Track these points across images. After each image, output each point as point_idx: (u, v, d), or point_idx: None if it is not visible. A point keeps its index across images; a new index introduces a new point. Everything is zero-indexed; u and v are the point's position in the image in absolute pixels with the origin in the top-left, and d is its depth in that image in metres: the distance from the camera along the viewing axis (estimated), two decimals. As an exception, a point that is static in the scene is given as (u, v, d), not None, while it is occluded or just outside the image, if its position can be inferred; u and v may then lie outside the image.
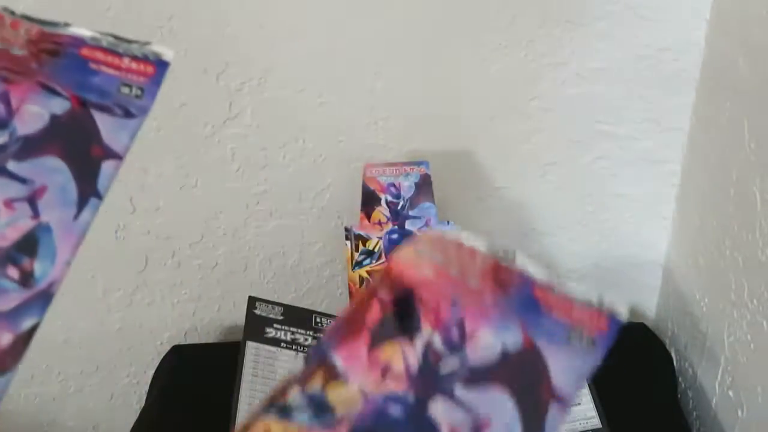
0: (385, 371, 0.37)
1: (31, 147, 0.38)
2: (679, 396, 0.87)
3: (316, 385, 0.36)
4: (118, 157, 0.40)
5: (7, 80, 0.39)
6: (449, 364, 0.37)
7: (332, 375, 0.36)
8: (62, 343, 0.93)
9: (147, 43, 0.41)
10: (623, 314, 0.39)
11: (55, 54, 0.41)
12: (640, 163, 0.84)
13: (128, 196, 0.82)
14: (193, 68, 0.75)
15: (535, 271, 0.40)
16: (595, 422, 0.68)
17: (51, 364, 0.94)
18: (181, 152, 0.80)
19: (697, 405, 0.84)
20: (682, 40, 0.75)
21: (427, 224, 0.80)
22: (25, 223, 0.37)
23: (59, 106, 0.38)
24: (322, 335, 0.40)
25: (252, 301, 0.79)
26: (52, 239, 0.39)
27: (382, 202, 0.80)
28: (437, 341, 0.38)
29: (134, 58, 0.41)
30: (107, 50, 0.41)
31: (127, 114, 0.40)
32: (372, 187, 0.80)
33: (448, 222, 0.80)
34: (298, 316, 0.80)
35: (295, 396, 0.35)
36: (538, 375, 0.38)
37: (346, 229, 0.80)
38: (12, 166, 0.37)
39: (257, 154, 0.81)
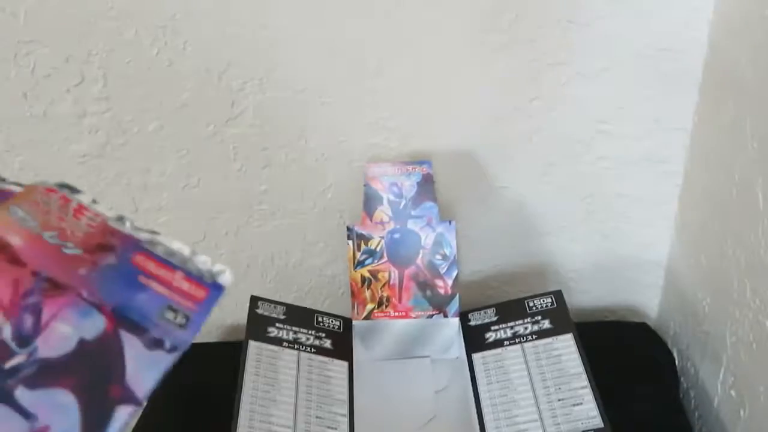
0: None
1: (46, 374, 0.33)
2: (681, 396, 0.87)
3: None
4: (137, 403, 0.34)
5: (45, 292, 0.34)
6: (14, 360, 0.33)
7: None
8: (64, 343, 0.93)
9: (205, 260, 0.36)
10: (227, 279, 0.36)
11: (108, 250, 0.35)
12: (642, 163, 0.84)
13: (130, 195, 0.83)
14: (195, 68, 0.75)
15: (144, 234, 0.35)
16: (597, 422, 0.68)
17: (53, 363, 0.94)
18: (183, 152, 0.80)
19: (699, 405, 0.84)
20: (684, 39, 0.75)
21: (429, 223, 0.80)
22: None
23: (92, 328, 0.34)
24: None
25: (254, 301, 0.79)
26: None
27: (384, 201, 0.80)
28: (6, 332, 0.33)
29: (188, 275, 0.36)
30: (161, 261, 0.36)
31: (162, 346, 0.35)
32: (374, 186, 0.80)
33: (450, 221, 0.80)
34: (300, 316, 0.80)
35: None
36: (112, 368, 0.34)
37: (348, 229, 0.80)
38: (20, 393, 0.32)
39: (259, 153, 0.81)
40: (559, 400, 0.71)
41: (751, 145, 0.68)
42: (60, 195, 0.37)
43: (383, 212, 0.80)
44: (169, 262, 0.36)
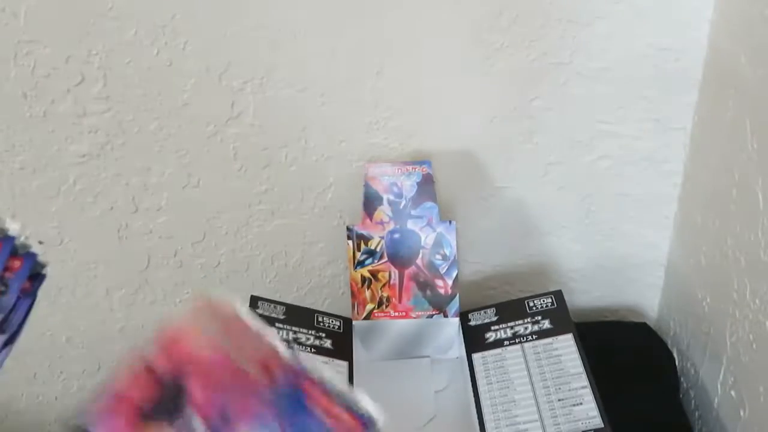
0: None
1: None
2: (681, 396, 0.87)
3: None
4: None
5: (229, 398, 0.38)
6: None
7: None
8: (65, 343, 0.93)
9: (365, 401, 0.41)
10: (380, 422, 0.41)
11: (281, 381, 0.40)
12: (642, 163, 0.84)
13: (131, 195, 0.83)
14: (196, 68, 0.75)
15: (310, 363, 0.41)
16: (597, 422, 0.68)
17: (53, 363, 0.94)
18: (183, 152, 0.80)
19: (699, 405, 0.84)
20: (684, 39, 0.75)
21: (429, 223, 0.80)
22: None
23: None
24: (87, 405, 0.40)
25: (254, 301, 0.79)
26: None
27: (384, 201, 0.80)
28: (195, 427, 0.37)
29: (348, 410, 0.41)
30: (328, 393, 0.41)
31: None
32: (374, 186, 0.80)
33: (450, 221, 0.80)
34: (300, 316, 0.80)
35: None
36: None
37: (348, 229, 0.80)
38: None
39: (259, 153, 0.81)
40: (559, 400, 0.71)
41: (750, 145, 0.68)
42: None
43: (383, 212, 0.80)
44: (335, 396, 0.41)
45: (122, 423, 0.37)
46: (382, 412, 0.41)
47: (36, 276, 0.42)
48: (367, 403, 0.41)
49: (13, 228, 0.41)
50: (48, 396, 0.97)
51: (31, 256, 0.41)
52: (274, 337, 0.42)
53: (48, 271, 0.42)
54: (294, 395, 0.40)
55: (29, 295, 0.42)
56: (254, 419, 0.39)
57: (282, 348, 0.42)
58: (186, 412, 0.38)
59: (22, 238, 0.41)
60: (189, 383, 0.38)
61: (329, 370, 0.41)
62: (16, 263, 0.41)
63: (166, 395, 0.38)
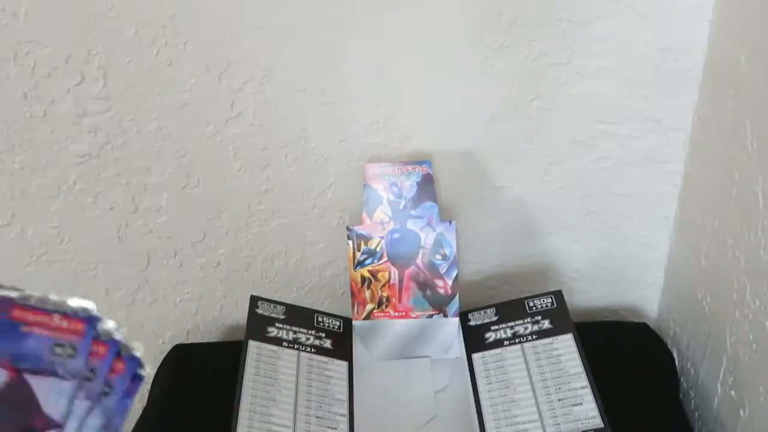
0: None
1: None
2: (681, 396, 0.87)
3: None
4: (57, 425, 0.40)
5: None
6: None
7: None
8: (64, 343, 0.93)
9: (74, 300, 0.42)
10: (94, 311, 0.42)
11: None
12: (642, 163, 0.84)
13: (130, 195, 0.83)
14: (195, 67, 0.75)
15: (13, 293, 0.40)
16: (597, 422, 0.68)
17: (53, 363, 0.94)
18: (183, 152, 0.80)
19: (699, 405, 0.84)
20: (684, 39, 0.75)
21: (429, 223, 0.80)
22: None
23: None
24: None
25: (254, 301, 0.79)
26: None
27: (384, 201, 0.80)
28: None
29: (64, 315, 0.42)
30: (37, 309, 0.41)
31: (63, 376, 0.41)
32: (374, 186, 0.80)
33: (450, 221, 0.80)
34: (300, 316, 0.80)
35: None
36: (29, 408, 0.40)
37: (348, 229, 0.80)
38: None
39: (259, 153, 0.81)
40: (559, 400, 0.71)
41: (751, 145, 0.68)
42: None
43: (383, 212, 0.80)
44: (44, 309, 0.41)
45: None
46: (93, 304, 0.42)
47: (136, 377, 0.44)
48: (79, 301, 0.42)
49: (119, 331, 0.43)
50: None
51: (134, 360, 0.43)
52: None
53: (146, 372, 0.44)
54: (6, 325, 0.40)
55: (130, 396, 0.44)
56: None
57: None
58: None
59: (124, 340, 0.43)
60: None
61: (35, 291, 0.42)
62: (120, 365, 0.43)
63: None
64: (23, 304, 0.41)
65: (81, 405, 0.41)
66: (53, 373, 0.41)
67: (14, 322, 0.41)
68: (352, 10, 0.73)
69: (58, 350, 0.41)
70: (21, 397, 0.40)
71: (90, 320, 0.42)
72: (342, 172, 0.83)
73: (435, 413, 0.76)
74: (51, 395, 0.40)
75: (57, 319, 0.42)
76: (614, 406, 0.70)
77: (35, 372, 0.40)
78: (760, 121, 0.66)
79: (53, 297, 0.41)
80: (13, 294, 0.41)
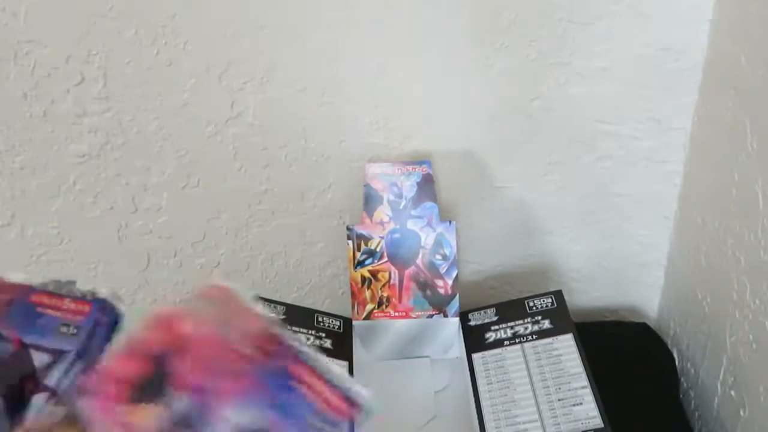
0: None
1: None
2: (681, 396, 0.87)
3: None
4: (49, 390, 0.45)
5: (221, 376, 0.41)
6: None
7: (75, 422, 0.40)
8: (64, 343, 0.93)
9: (355, 385, 0.43)
10: (369, 404, 0.43)
11: (8, 304, 0.48)
12: (642, 163, 0.84)
13: (130, 195, 0.83)
14: (195, 67, 0.75)
15: (300, 343, 0.43)
16: (597, 422, 0.68)
17: (53, 363, 0.94)
18: (183, 152, 0.80)
19: (699, 405, 0.84)
20: (684, 39, 0.75)
21: (429, 223, 0.80)
22: None
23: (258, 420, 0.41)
24: (78, 384, 0.46)
25: (254, 301, 0.79)
26: None
27: (384, 201, 0.80)
28: (181, 407, 0.40)
29: (74, 299, 0.49)
30: (52, 294, 0.48)
31: (61, 352, 0.47)
32: (374, 186, 0.80)
33: (450, 221, 0.80)
34: (300, 316, 0.80)
35: None
36: (26, 374, 0.46)
37: (348, 229, 0.80)
38: None
39: (259, 153, 0.81)
40: (559, 400, 0.71)
41: (750, 145, 0.68)
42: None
43: (383, 212, 0.80)
44: (58, 293, 0.48)
45: (111, 401, 0.40)
46: (372, 397, 0.42)
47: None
48: (357, 386, 0.43)
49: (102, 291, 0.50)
50: (48, 396, 0.97)
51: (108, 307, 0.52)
52: (270, 319, 0.44)
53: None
54: (280, 374, 0.42)
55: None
56: (240, 397, 0.40)
57: (276, 328, 0.43)
58: (170, 391, 0.40)
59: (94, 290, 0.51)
60: (176, 362, 0.40)
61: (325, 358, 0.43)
62: (86, 307, 0.50)
63: (154, 374, 0.40)
64: (41, 289, 0.48)
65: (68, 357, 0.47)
66: (53, 351, 0.46)
67: (31, 304, 0.47)
68: (352, 10, 0.73)
69: (63, 329, 0.47)
70: (20, 364, 0.45)
71: (96, 302, 0.48)
72: (342, 172, 0.83)
73: (435, 413, 0.76)
74: (48, 367, 0.46)
75: (67, 302, 0.48)
76: (614, 406, 0.70)
77: (38, 347, 0.46)
78: (760, 121, 0.66)
79: (67, 282, 0.47)
80: (34, 281, 0.48)
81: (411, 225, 0.80)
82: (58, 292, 0.49)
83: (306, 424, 0.41)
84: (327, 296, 0.94)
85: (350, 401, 0.42)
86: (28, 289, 0.49)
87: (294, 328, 0.78)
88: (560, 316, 0.78)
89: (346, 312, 0.82)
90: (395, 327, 0.81)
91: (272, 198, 0.85)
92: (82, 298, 0.49)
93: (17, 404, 0.44)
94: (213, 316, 0.43)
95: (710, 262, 0.79)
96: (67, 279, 0.49)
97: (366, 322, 0.81)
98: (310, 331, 0.79)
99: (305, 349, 0.43)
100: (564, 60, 0.77)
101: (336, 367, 0.43)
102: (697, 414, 0.85)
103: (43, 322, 0.47)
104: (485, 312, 0.82)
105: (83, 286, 0.49)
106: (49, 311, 0.48)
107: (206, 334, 0.42)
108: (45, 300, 0.48)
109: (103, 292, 0.50)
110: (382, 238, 0.80)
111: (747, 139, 0.68)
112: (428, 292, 0.81)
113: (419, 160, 0.81)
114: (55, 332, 0.47)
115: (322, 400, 0.42)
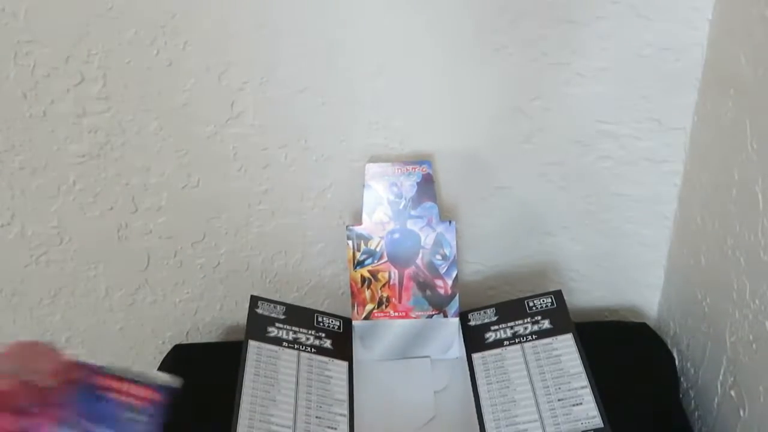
0: None
1: None
2: (680, 396, 0.87)
3: None
4: None
5: (29, 413, 0.45)
6: None
7: None
8: (64, 342, 0.93)
9: (155, 372, 0.49)
10: (172, 382, 0.50)
11: (74, 383, 0.48)
12: (642, 163, 0.84)
13: (130, 195, 0.83)
14: (195, 67, 0.75)
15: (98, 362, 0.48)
16: (597, 422, 0.68)
17: (53, 363, 0.94)
18: (183, 152, 0.80)
19: (698, 405, 0.84)
20: (684, 39, 0.75)
21: (429, 223, 0.80)
22: None
23: None
24: None
25: (254, 301, 0.79)
26: None
27: (384, 201, 0.80)
28: None
29: (140, 384, 0.50)
30: (117, 377, 0.49)
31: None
32: (374, 186, 0.80)
33: (450, 221, 0.80)
34: (300, 316, 0.80)
35: None
36: None
37: (348, 229, 0.80)
38: None
39: (259, 153, 0.81)
40: (559, 400, 0.71)
41: (750, 145, 0.68)
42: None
43: (383, 212, 0.80)
44: (124, 377, 0.49)
45: None
46: (175, 379, 0.50)
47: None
48: (157, 373, 0.49)
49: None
50: (48, 396, 0.97)
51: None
52: (69, 353, 0.49)
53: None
54: (87, 390, 0.47)
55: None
56: (55, 423, 0.45)
57: (75, 358, 0.49)
58: None
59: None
60: None
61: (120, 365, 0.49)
62: (154, 394, 0.52)
63: None
64: (106, 372, 0.49)
65: None
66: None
67: (95, 387, 0.48)
68: (352, 11, 0.73)
69: (129, 414, 0.49)
70: None
71: (164, 390, 0.50)
72: (342, 172, 0.83)
73: (435, 413, 0.76)
74: None
75: (134, 388, 0.49)
76: (614, 406, 0.70)
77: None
78: (760, 121, 0.66)
79: (136, 369, 0.49)
80: (100, 364, 0.49)
81: (411, 225, 0.80)
82: (123, 375, 0.50)
83: (118, 421, 0.47)
84: (327, 296, 0.94)
85: (154, 387, 0.49)
86: (93, 370, 0.49)
87: (294, 328, 0.78)
88: (560, 316, 0.78)
89: (346, 312, 0.82)
90: (395, 327, 0.81)
91: (272, 198, 0.85)
92: (149, 385, 0.50)
93: None
94: (9, 368, 0.46)
95: (710, 262, 0.79)
96: (127, 367, 0.50)
97: (366, 322, 0.81)
98: (309, 331, 0.79)
99: (106, 364, 0.48)
100: (564, 60, 0.77)
101: (137, 367, 0.49)
102: (697, 414, 0.85)
103: (107, 406, 0.48)
104: (485, 312, 0.82)
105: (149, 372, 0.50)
106: (113, 395, 0.49)
107: (7, 384, 0.45)
108: (107, 383, 0.49)
109: (171, 381, 0.52)
110: (382, 238, 0.80)
111: (747, 139, 0.68)
112: (428, 292, 0.81)
113: (419, 160, 0.81)
114: (122, 418, 0.48)
115: (129, 397, 0.48)
